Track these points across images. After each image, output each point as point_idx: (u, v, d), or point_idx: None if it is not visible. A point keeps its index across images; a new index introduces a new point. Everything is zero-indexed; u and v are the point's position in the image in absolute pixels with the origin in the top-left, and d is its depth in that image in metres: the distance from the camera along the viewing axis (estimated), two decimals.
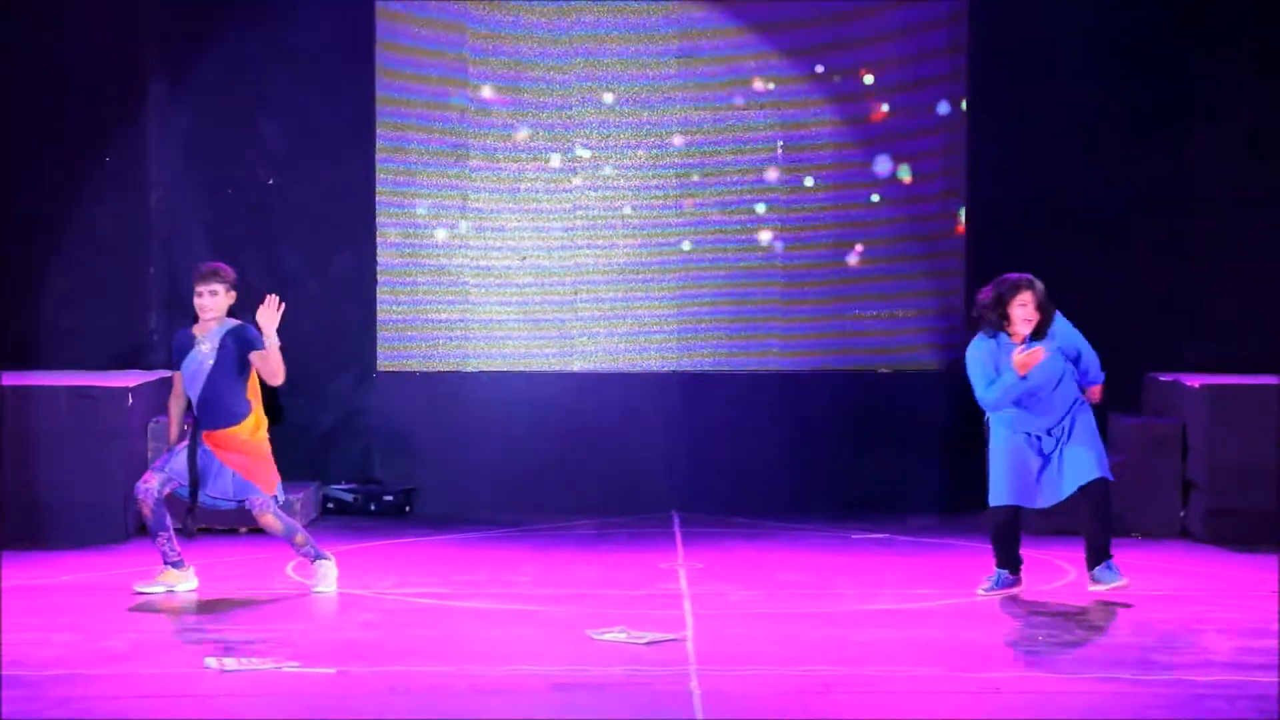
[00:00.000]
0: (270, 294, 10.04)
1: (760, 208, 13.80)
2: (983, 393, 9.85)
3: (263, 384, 10.21)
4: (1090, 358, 10.04)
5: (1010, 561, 10.03)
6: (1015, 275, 10.01)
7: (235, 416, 10.08)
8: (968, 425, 13.55)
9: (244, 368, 10.08)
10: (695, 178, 13.82)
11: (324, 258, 13.73)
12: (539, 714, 7.50)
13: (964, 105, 13.65)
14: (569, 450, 13.67)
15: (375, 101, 13.68)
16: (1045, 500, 9.93)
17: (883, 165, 13.72)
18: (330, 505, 13.35)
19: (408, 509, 13.42)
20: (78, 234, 13.39)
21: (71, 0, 13.30)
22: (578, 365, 13.87)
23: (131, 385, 12.07)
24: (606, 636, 8.78)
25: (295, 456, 13.35)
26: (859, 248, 13.81)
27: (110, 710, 7.48)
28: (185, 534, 10.16)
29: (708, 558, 11.42)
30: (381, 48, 13.70)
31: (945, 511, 13.38)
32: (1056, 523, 11.04)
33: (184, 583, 10.10)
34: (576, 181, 13.84)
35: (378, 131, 13.71)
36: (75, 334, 13.29)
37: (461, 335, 13.85)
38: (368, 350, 13.77)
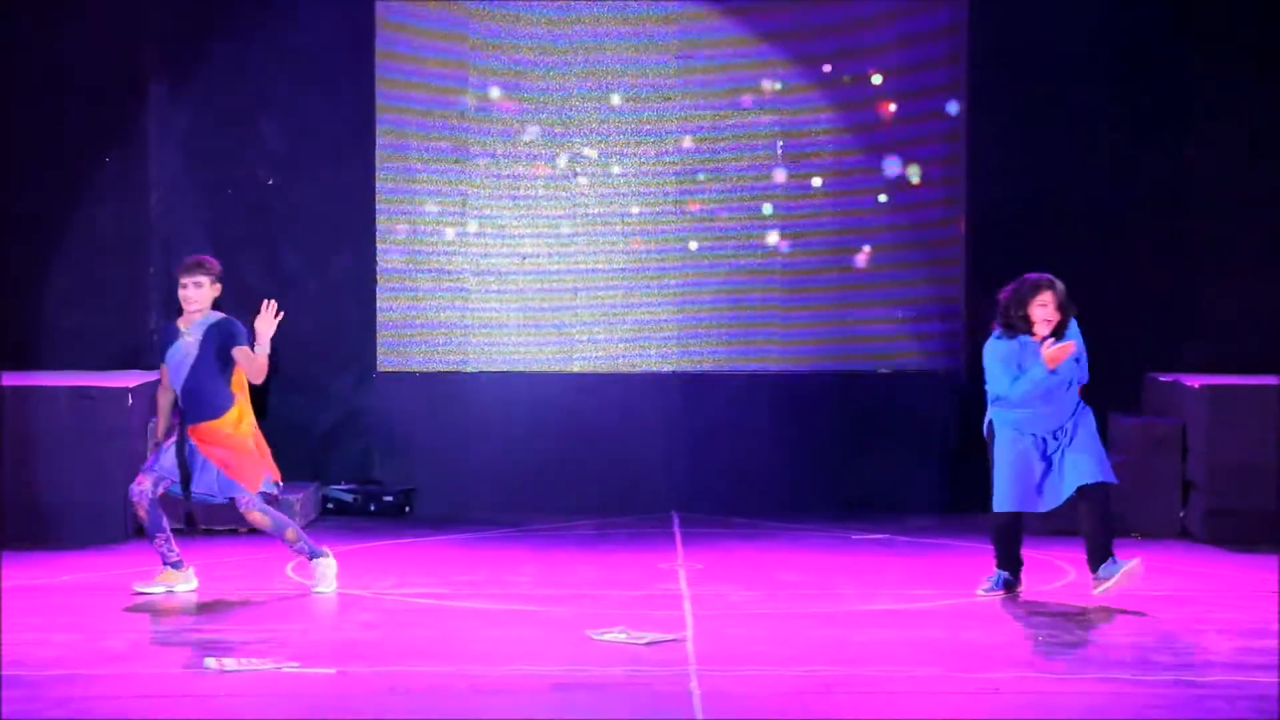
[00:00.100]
0: (269, 300, 10.01)
1: (767, 208, 13.79)
2: (1008, 389, 9.79)
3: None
4: (1084, 360, 10.04)
5: (1011, 563, 10.03)
6: (1035, 275, 9.98)
7: (217, 409, 10.02)
8: (967, 426, 13.58)
9: (227, 361, 10.03)
10: (696, 179, 13.81)
11: (324, 258, 13.72)
12: (539, 714, 7.50)
13: (964, 106, 13.64)
14: (569, 450, 13.67)
15: (375, 101, 13.68)
16: (1047, 504, 9.91)
17: (892, 167, 13.70)
18: (330, 506, 13.35)
19: (407, 509, 13.41)
20: (78, 234, 13.39)
21: (71, 0, 13.30)
22: (578, 366, 13.86)
23: (131, 385, 12.06)
24: (606, 637, 8.78)
25: (295, 457, 13.35)
26: (859, 248, 13.81)
27: (110, 710, 7.48)
28: (190, 530, 10.15)
29: (707, 558, 11.41)
30: (381, 48, 13.70)
31: (945, 512, 13.38)
32: (1056, 523, 11.04)
33: (183, 583, 10.10)
34: (577, 182, 13.84)
35: (378, 131, 13.71)
36: (75, 334, 13.29)
37: (461, 336, 13.85)
38: (368, 350, 13.77)
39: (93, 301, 13.38)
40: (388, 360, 13.81)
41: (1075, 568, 10.70)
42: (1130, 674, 8.15)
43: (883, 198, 13.75)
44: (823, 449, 13.70)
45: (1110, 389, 10.29)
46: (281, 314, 9.98)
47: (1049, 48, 13.52)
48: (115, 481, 11.70)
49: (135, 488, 9.98)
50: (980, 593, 9.99)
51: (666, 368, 13.86)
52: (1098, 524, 9.82)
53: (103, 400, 11.89)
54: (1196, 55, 13.49)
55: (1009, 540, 9.99)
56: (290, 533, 10.18)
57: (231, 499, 10.10)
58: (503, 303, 13.86)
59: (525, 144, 13.81)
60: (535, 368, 13.84)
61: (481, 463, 13.63)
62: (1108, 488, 9.87)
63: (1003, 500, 9.90)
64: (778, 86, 13.78)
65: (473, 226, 13.83)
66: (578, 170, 13.82)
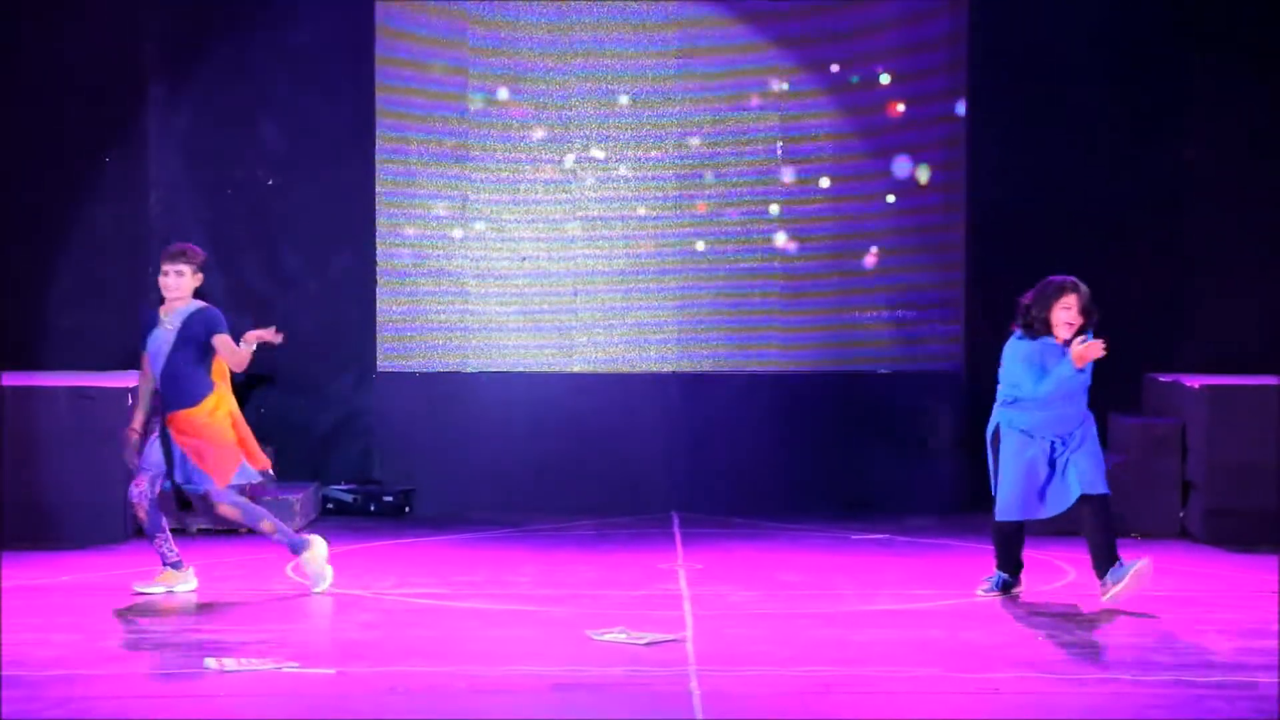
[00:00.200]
0: (279, 330, 9.92)
1: (774, 209, 13.80)
2: (1032, 389, 9.72)
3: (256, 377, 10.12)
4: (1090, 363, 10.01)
5: (1011, 566, 10.02)
6: (1060, 278, 9.89)
7: (193, 398, 9.96)
8: (967, 425, 13.59)
9: (206, 350, 9.97)
10: (696, 180, 13.81)
11: (324, 258, 13.73)
12: (539, 714, 7.50)
13: (965, 107, 13.64)
14: (569, 450, 13.68)
15: (375, 102, 13.69)
16: (1050, 511, 9.84)
17: (894, 168, 13.69)
18: (330, 506, 13.35)
19: (407, 509, 13.42)
20: (78, 234, 13.39)
21: (71, 0, 13.30)
22: (578, 366, 13.87)
23: (131, 385, 12.04)
24: (606, 637, 8.78)
25: (295, 457, 13.41)
26: (859, 249, 13.81)
27: (110, 710, 7.48)
28: (185, 529, 10.13)
29: (707, 558, 11.41)
30: (381, 48, 13.70)
31: (945, 512, 13.38)
32: (1057, 523, 10.99)
33: (183, 583, 10.09)
34: (577, 183, 13.84)
35: (378, 132, 13.72)
36: (75, 334, 13.29)
37: (462, 336, 13.86)
38: (368, 350, 13.77)
39: (93, 301, 13.38)
40: (388, 360, 13.81)
41: (1075, 568, 10.70)
42: (1130, 674, 8.15)
43: (891, 198, 13.75)
44: (823, 449, 13.71)
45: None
46: (281, 339, 9.90)
47: (1049, 48, 13.53)
48: (115, 481, 11.70)
49: (134, 489, 9.97)
50: (980, 593, 9.99)
51: (666, 368, 13.86)
52: (1101, 529, 9.76)
53: (103, 400, 11.88)
54: (1196, 55, 13.50)
55: (1010, 544, 9.98)
56: (266, 524, 10.09)
57: (207, 493, 10.04)
58: (503, 303, 13.86)
59: (525, 144, 13.81)
60: (535, 368, 13.85)
61: (481, 463, 13.63)
62: (1107, 499, 9.84)
63: (1006, 509, 9.85)
64: (778, 88, 13.78)
65: (473, 227, 13.84)
66: (578, 171, 13.82)
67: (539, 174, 13.83)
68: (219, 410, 10.03)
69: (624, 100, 13.80)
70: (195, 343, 9.96)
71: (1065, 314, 9.78)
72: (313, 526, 12.78)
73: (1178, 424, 12.47)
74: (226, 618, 9.45)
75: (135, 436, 10.12)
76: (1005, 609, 9.70)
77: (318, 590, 10.10)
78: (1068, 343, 9.78)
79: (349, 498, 13.36)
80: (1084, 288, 9.84)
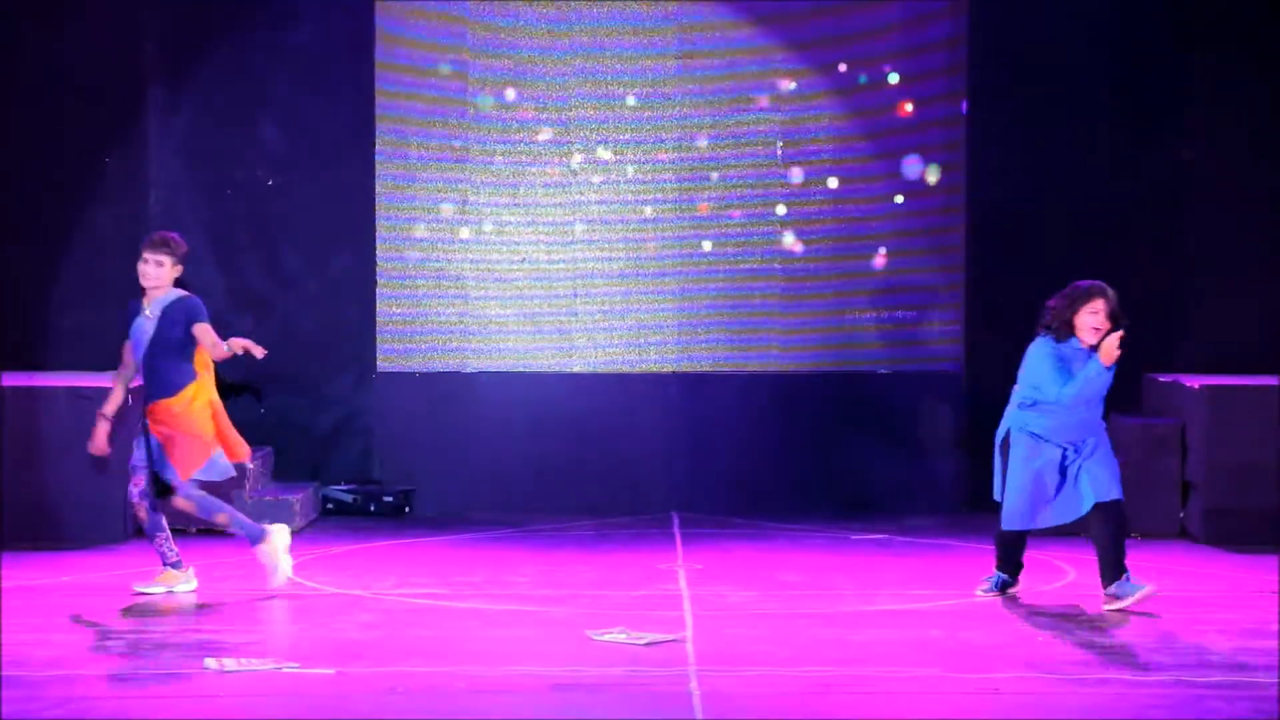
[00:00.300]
0: (263, 350, 9.86)
1: (774, 209, 13.80)
2: (1058, 392, 9.61)
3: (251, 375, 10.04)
4: None
5: (1011, 568, 10.01)
6: (1088, 282, 9.77)
7: (174, 387, 9.91)
8: (967, 426, 13.59)
9: (187, 339, 9.92)
10: (696, 181, 13.81)
11: (324, 258, 13.73)
12: (539, 714, 7.50)
13: (965, 106, 13.64)
14: (569, 450, 13.68)
15: (375, 102, 13.68)
16: (1058, 520, 9.76)
17: (907, 169, 13.68)
18: (330, 506, 13.35)
19: (407, 509, 13.42)
20: (78, 234, 13.39)
21: (71, 0, 13.30)
22: (578, 366, 13.87)
23: (132, 386, 12.04)
24: (606, 637, 8.78)
25: (295, 457, 13.41)
26: (859, 249, 13.81)
27: (110, 710, 7.48)
28: (185, 529, 10.09)
29: (707, 558, 11.41)
30: (381, 48, 13.70)
31: (945, 512, 13.38)
32: (1059, 525, 11.02)
33: (183, 583, 10.09)
34: (577, 182, 13.84)
35: (377, 132, 13.72)
36: (75, 334, 13.29)
37: (461, 336, 13.85)
38: (367, 350, 13.77)
39: (93, 301, 13.37)
40: (388, 360, 13.81)
41: (1075, 568, 10.71)
42: (1130, 674, 8.15)
43: (899, 199, 13.74)
44: (823, 449, 13.71)
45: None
46: (263, 355, 9.83)
47: (1049, 48, 13.53)
48: (115, 481, 11.69)
49: (134, 489, 9.97)
50: (979, 593, 9.98)
51: (666, 368, 13.86)
52: (1111, 538, 9.67)
53: (102, 400, 11.86)
54: (1196, 55, 13.50)
55: (1012, 550, 9.95)
56: (221, 517, 9.98)
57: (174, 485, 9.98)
58: (503, 303, 13.86)
59: (525, 145, 13.81)
60: (535, 368, 13.85)
61: (481, 463, 13.64)
62: (1121, 505, 9.80)
63: (1014, 518, 9.77)
64: (778, 90, 13.78)
65: (473, 227, 13.84)
66: (578, 171, 13.82)
67: (539, 174, 13.83)
68: (197, 400, 9.95)
69: (624, 101, 13.79)
70: (175, 332, 9.90)
71: (1092, 318, 9.67)
72: (313, 526, 12.79)
73: (1178, 424, 12.48)
74: (227, 618, 9.45)
75: (105, 423, 10.04)
76: (1005, 609, 9.70)
77: (274, 584, 10.02)
78: (1094, 348, 9.67)
79: (349, 498, 13.36)
80: (1111, 292, 9.71)
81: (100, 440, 10.08)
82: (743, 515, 13.18)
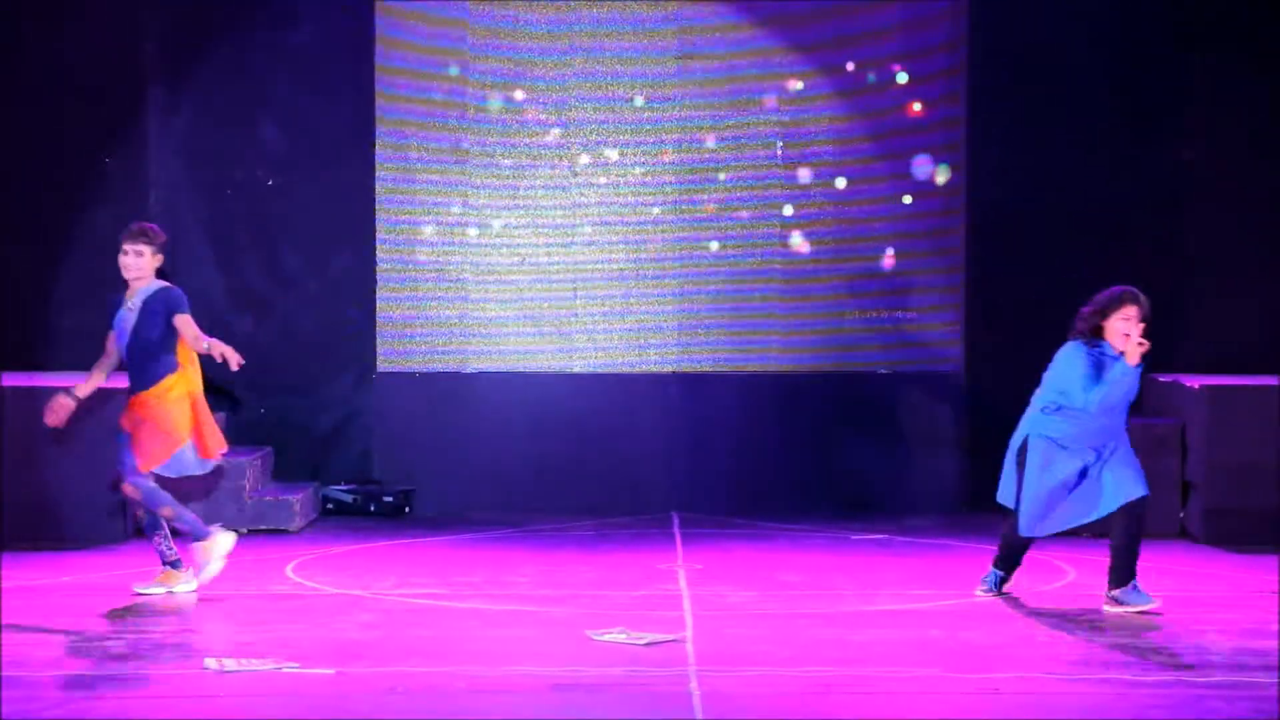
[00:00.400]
0: (239, 362, 9.75)
1: (775, 209, 13.80)
2: (1085, 397, 9.48)
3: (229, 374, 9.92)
4: None
5: (1009, 566, 9.98)
6: (1121, 287, 9.65)
7: (154, 378, 9.86)
8: (967, 426, 13.59)
9: (168, 330, 9.88)
10: (695, 180, 13.82)
11: (324, 258, 13.73)
12: (538, 714, 7.50)
13: (964, 106, 13.64)
14: (569, 450, 13.68)
15: (375, 102, 13.68)
16: (1077, 519, 9.65)
17: (922, 168, 13.68)
18: (330, 506, 13.35)
19: (407, 509, 13.42)
20: (78, 234, 13.39)
21: (71, 0, 13.30)
22: (578, 366, 13.87)
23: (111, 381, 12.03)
24: (606, 637, 8.78)
25: (294, 457, 13.42)
26: (859, 249, 13.81)
27: (110, 710, 7.48)
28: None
29: (707, 558, 11.42)
30: (381, 48, 13.71)
31: (945, 512, 13.39)
32: None
33: (183, 584, 10.08)
34: (577, 182, 13.85)
35: (377, 132, 13.72)
36: (75, 334, 13.28)
37: (461, 336, 13.86)
38: (368, 350, 13.77)
39: (93, 301, 13.34)
40: (388, 360, 13.81)
41: (1075, 568, 10.71)
42: (1130, 674, 8.15)
43: (907, 199, 13.74)
44: (823, 449, 13.71)
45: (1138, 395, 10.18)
46: (239, 365, 9.77)
47: (1049, 48, 13.53)
48: (116, 482, 11.70)
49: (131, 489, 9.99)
50: (978, 594, 9.98)
51: (666, 368, 13.86)
52: (1128, 542, 9.58)
53: (103, 400, 11.87)
54: (1196, 55, 13.50)
55: (1018, 552, 9.91)
56: (167, 510, 9.89)
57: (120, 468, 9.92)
58: (503, 303, 13.86)
59: (525, 145, 13.81)
60: (535, 368, 13.85)
61: (481, 463, 13.64)
62: (1146, 501, 9.71)
63: (1032, 526, 9.66)
64: (778, 91, 13.78)
65: (472, 227, 13.84)
66: (578, 171, 13.82)
67: (539, 175, 13.83)
68: (174, 391, 9.89)
69: (624, 102, 13.80)
70: (156, 323, 9.86)
71: (1124, 324, 9.56)
72: (313, 527, 12.79)
73: (1178, 424, 12.48)
74: (227, 618, 9.45)
75: (71, 401, 9.92)
76: (1005, 609, 9.70)
77: (197, 580, 9.92)
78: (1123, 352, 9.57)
79: (349, 498, 13.36)
80: (1143, 298, 9.60)
81: (59, 412, 9.94)
82: (743, 515, 13.18)
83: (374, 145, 13.71)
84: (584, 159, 13.83)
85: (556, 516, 13.13)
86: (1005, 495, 9.91)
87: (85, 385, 10.05)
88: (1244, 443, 12.09)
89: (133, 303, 9.96)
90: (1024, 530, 9.71)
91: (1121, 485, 9.59)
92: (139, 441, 9.84)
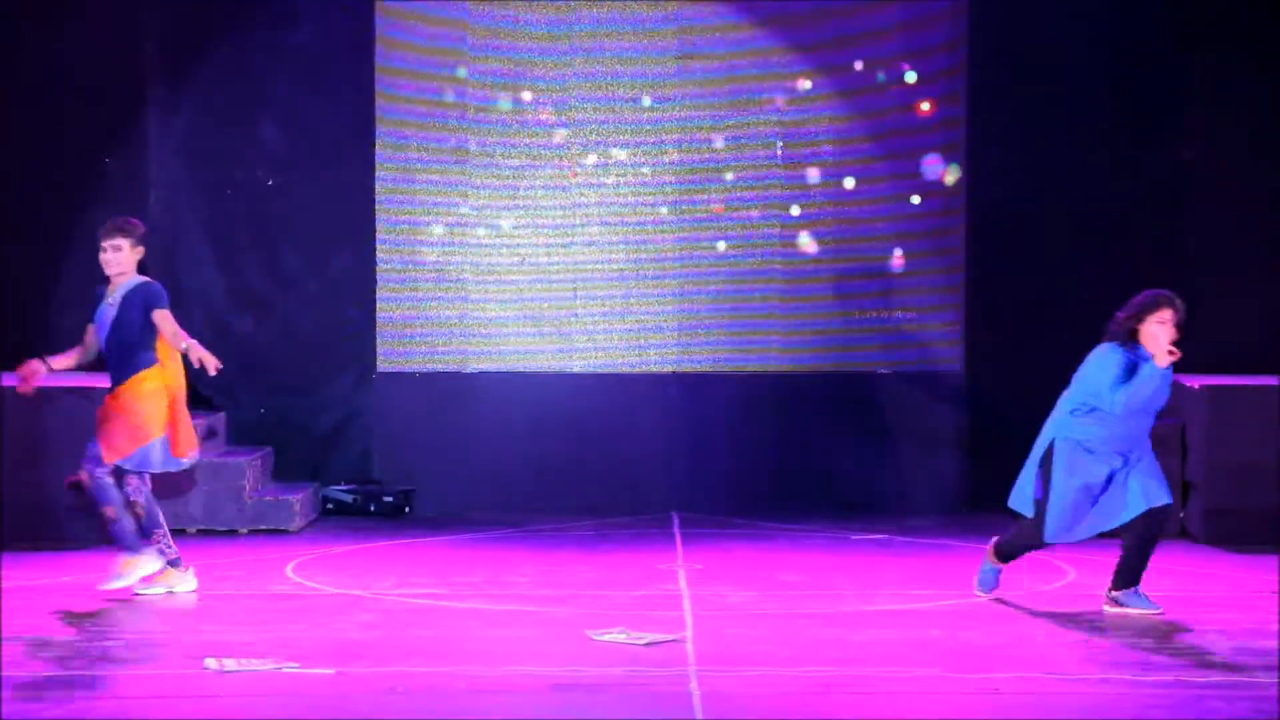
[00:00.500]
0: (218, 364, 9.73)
1: (775, 210, 13.79)
2: (1110, 398, 9.40)
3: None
4: None
5: (1009, 561, 9.92)
6: (1156, 291, 9.63)
7: (132, 369, 9.84)
8: (967, 426, 13.60)
9: (146, 325, 9.85)
10: (696, 180, 13.81)
11: (324, 258, 13.73)
12: (538, 714, 7.50)
13: (964, 106, 13.64)
14: (569, 450, 13.68)
15: (375, 102, 13.68)
16: (1102, 525, 9.56)
17: (933, 168, 13.68)
18: (330, 506, 13.35)
19: (407, 509, 13.42)
20: (78, 234, 13.37)
21: (71, 0, 13.30)
22: (578, 366, 13.87)
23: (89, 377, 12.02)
24: (606, 637, 8.78)
25: (295, 457, 13.42)
26: (860, 249, 13.81)
27: (110, 710, 7.48)
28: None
29: (707, 558, 11.42)
30: (381, 48, 13.70)
31: (945, 512, 13.39)
32: None
33: (183, 583, 10.08)
34: (577, 182, 13.85)
35: (377, 132, 13.72)
36: (75, 334, 13.23)
37: (461, 336, 13.85)
38: (368, 350, 13.77)
39: (93, 302, 13.34)
40: (388, 360, 13.81)
41: (1075, 568, 10.71)
42: (1130, 674, 8.15)
43: (916, 199, 13.74)
44: (823, 449, 13.71)
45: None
46: (216, 370, 9.74)
47: (1049, 48, 13.52)
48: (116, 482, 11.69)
49: (128, 488, 9.98)
50: (980, 593, 9.95)
51: (666, 368, 13.86)
52: (1142, 546, 9.55)
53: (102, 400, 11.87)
54: (1196, 55, 13.50)
55: (1027, 550, 9.84)
56: (110, 510, 9.85)
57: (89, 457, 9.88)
58: (503, 303, 13.86)
59: (526, 145, 13.81)
60: (535, 368, 13.85)
61: (481, 463, 13.64)
62: (1169, 510, 9.64)
63: (1057, 532, 9.55)
64: (777, 91, 13.78)
65: (473, 227, 13.83)
66: (578, 171, 13.82)
67: (540, 175, 13.83)
68: (147, 384, 9.85)
69: (624, 103, 13.79)
70: (135, 318, 9.85)
71: (1160, 328, 9.54)
72: (313, 526, 12.79)
73: (1178, 424, 12.48)
74: (226, 618, 9.45)
75: (43, 367, 9.88)
76: (1005, 609, 9.70)
77: (102, 585, 9.85)
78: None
79: (349, 498, 13.36)
80: (1179, 302, 9.56)
81: (30, 376, 9.90)
82: (743, 515, 13.18)
83: (374, 145, 13.70)
84: (584, 159, 13.83)
85: (556, 516, 13.13)
86: (1020, 501, 9.76)
87: (60, 359, 10.00)
88: (1244, 443, 12.09)
89: (113, 297, 9.96)
90: (1049, 538, 9.59)
91: (1147, 492, 9.50)
92: (106, 433, 9.83)
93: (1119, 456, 9.54)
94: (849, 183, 13.76)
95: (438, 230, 13.83)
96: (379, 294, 13.78)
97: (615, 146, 13.82)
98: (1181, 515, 12.40)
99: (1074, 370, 9.96)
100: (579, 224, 13.85)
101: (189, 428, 10.01)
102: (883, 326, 13.84)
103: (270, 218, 13.67)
